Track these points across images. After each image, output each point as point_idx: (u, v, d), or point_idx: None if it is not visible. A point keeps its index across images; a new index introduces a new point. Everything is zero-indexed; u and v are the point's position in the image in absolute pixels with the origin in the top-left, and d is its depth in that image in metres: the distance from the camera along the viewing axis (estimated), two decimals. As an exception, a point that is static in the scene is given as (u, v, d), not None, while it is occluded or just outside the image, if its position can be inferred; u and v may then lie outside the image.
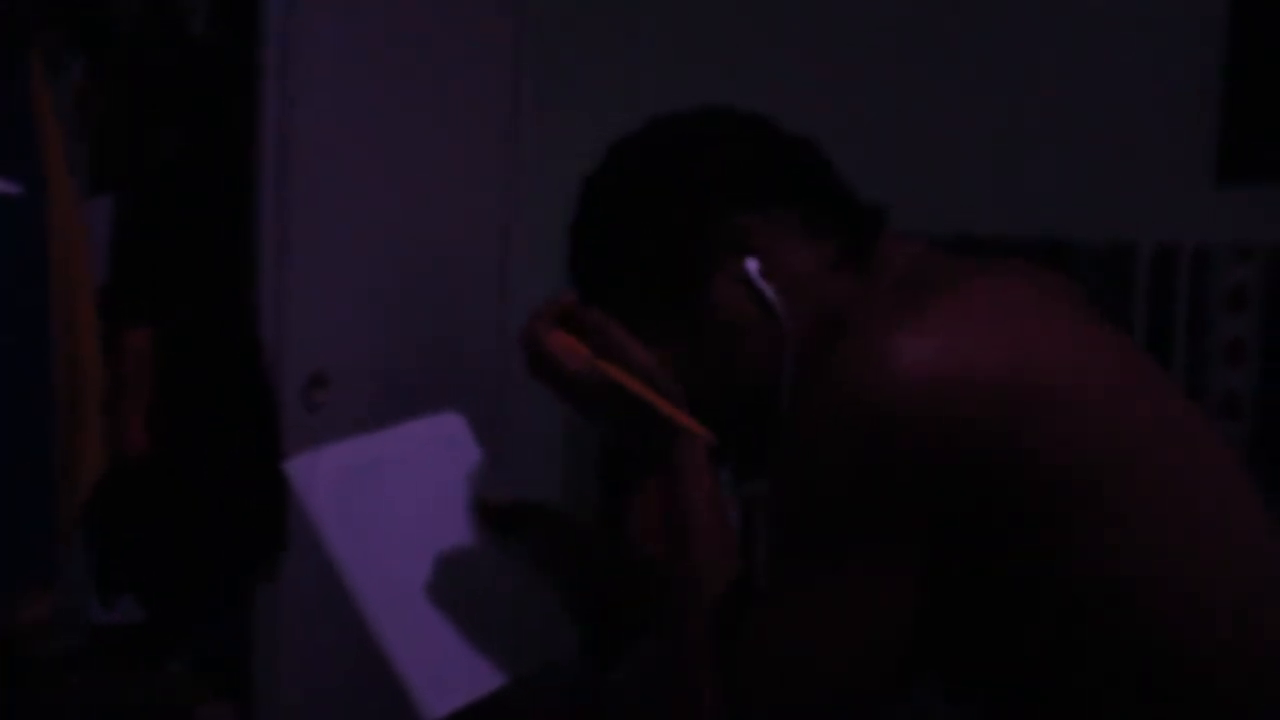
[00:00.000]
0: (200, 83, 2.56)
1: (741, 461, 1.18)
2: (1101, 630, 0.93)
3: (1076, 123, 2.67)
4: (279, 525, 2.58)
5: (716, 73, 3.10)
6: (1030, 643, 0.95)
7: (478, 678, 1.22)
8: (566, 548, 1.29)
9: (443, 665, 1.20)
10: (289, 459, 1.22)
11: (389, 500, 1.26)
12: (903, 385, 0.92)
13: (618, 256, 1.12)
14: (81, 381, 2.14)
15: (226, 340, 2.50)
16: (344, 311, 2.86)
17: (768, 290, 1.07)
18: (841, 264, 1.09)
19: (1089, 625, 0.93)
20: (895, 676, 0.98)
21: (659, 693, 1.06)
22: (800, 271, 1.08)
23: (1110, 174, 2.64)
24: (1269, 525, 1.02)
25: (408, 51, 2.95)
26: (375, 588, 1.20)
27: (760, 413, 1.11)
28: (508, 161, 3.26)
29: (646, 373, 1.08)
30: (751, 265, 1.07)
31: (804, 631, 0.96)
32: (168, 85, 2.49)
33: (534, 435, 3.26)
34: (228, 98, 2.63)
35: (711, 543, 1.06)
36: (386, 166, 2.93)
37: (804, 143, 1.14)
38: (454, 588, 1.25)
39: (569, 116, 3.27)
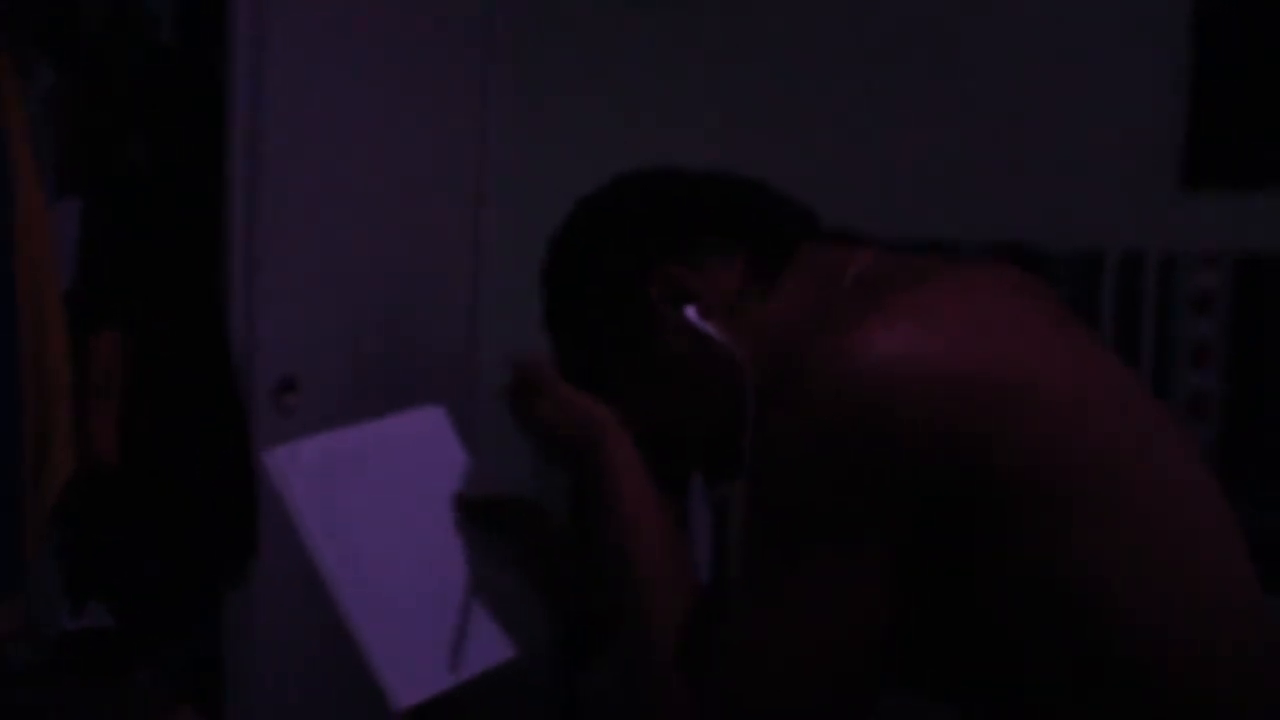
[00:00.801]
0: (168, 88, 2.54)
1: (709, 475, 1.21)
2: (1069, 630, 0.93)
3: (1043, 130, 2.69)
4: (250, 530, 2.56)
5: (689, 79, 3.11)
6: (1004, 642, 0.95)
7: (449, 669, 1.22)
8: (544, 544, 1.29)
9: (414, 656, 1.21)
10: (265, 450, 1.22)
11: (366, 493, 1.26)
12: (871, 379, 0.92)
13: (577, 335, 1.18)
14: (49, 386, 2.12)
15: (196, 344, 2.49)
16: (314, 316, 2.85)
17: (711, 330, 1.11)
18: (771, 275, 1.13)
19: (1056, 625, 0.93)
20: (875, 675, 0.97)
21: (630, 691, 1.06)
22: (736, 302, 1.12)
23: (1077, 181, 2.66)
24: (1233, 527, 1.02)
25: (377, 57, 2.95)
26: (350, 578, 1.20)
27: (733, 443, 1.14)
28: (478, 167, 3.26)
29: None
30: (690, 312, 1.12)
31: (783, 627, 0.96)
32: (135, 90, 2.48)
33: (505, 439, 3.25)
34: (196, 103, 2.62)
35: (650, 544, 1.09)
36: (356, 171, 2.92)
37: (712, 178, 1.19)
38: (429, 580, 1.25)
39: (539, 121, 3.27)
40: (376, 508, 1.25)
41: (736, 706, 0.97)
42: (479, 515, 1.30)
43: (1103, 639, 0.92)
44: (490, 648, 1.27)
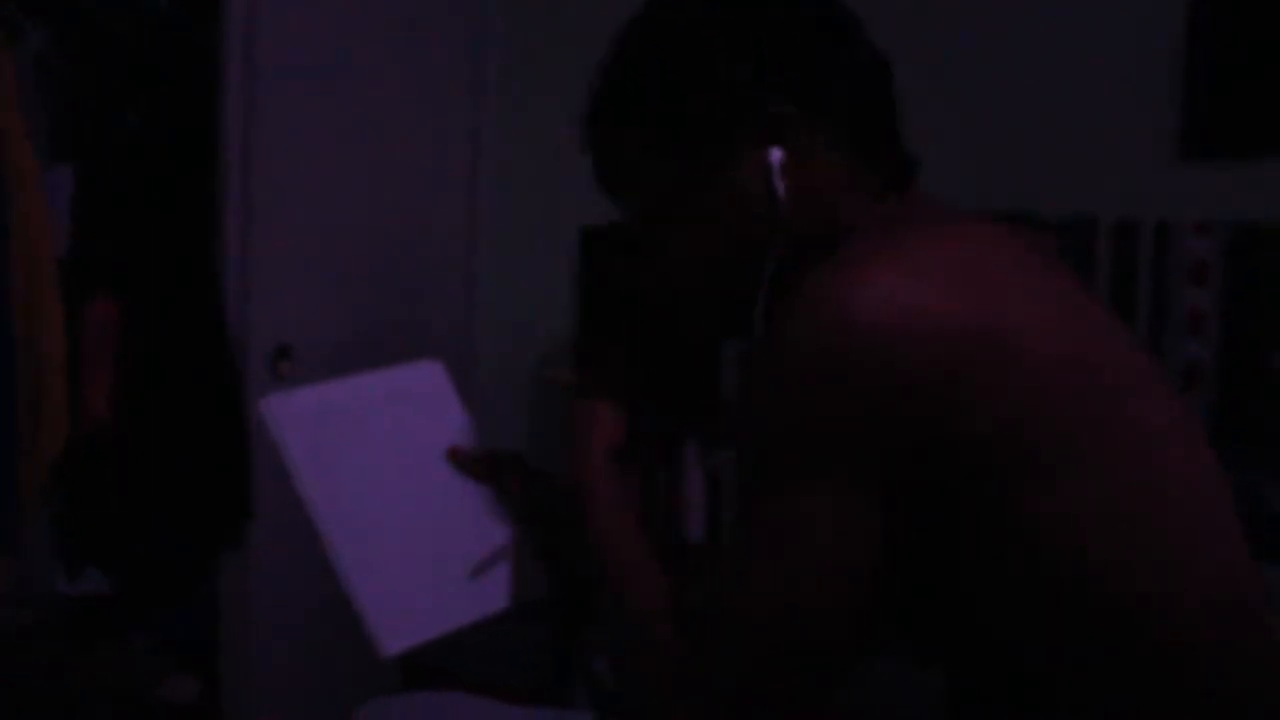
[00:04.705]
0: (163, 55, 2.54)
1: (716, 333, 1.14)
2: (1049, 585, 0.92)
3: (1039, 98, 2.69)
4: (244, 495, 2.57)
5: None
6: (986, 600, 0.95)
7: (437, 619, 1.23)
8: (538, 501, 1.29)
9: (403, 604, 1.21)
10: (261, 399, 1.22)
11: (360, 442, 1.26)
12: (849, 329, 0.90)
13: (646, 99, 1.05)
14: (43, 351, 2.13)
15: (190, 311, 2.49)
16: (310, 284, 2.85)
17: (781, 189, 1.03)
18: (861, 193, 1.05)
19: (1037, 581, 0.92)
20: (863, 627, 0.96)
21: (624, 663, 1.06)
22: (821, 186, 1.04)
23: (1073, 149, 2.65)
24: (1224, 488, 1.02)
25: (372, 25, 2.94)
26: (341, 525, 1.20)
27: (733, 310, 1.09)
28: (474, 134, 3.25)
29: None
30: (775, 157, 1.02)
31: (767, 573, 0.95)
32: (130, 55, 2.47)
33: (498, 410, 3.26)
34: (191, 70, 2.62)
35: (625, 570, 1.09)
36: (351, 140, 2.92)
37: (876, 61, 1.07)
38: (420, 530, 1.25)
39: (535, 87, 3.26)
40: (370, 457, 1.26)
41: (720, 656, 0.96)
42: (473, 468, 1.30)
43: (1084, 595, 0.92)
44: (480, 599, 1.27)
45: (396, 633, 1.19)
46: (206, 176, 2.64)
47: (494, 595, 1.29)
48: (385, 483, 1.25)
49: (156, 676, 2.52)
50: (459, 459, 1.30)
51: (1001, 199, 2.69)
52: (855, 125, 1.05)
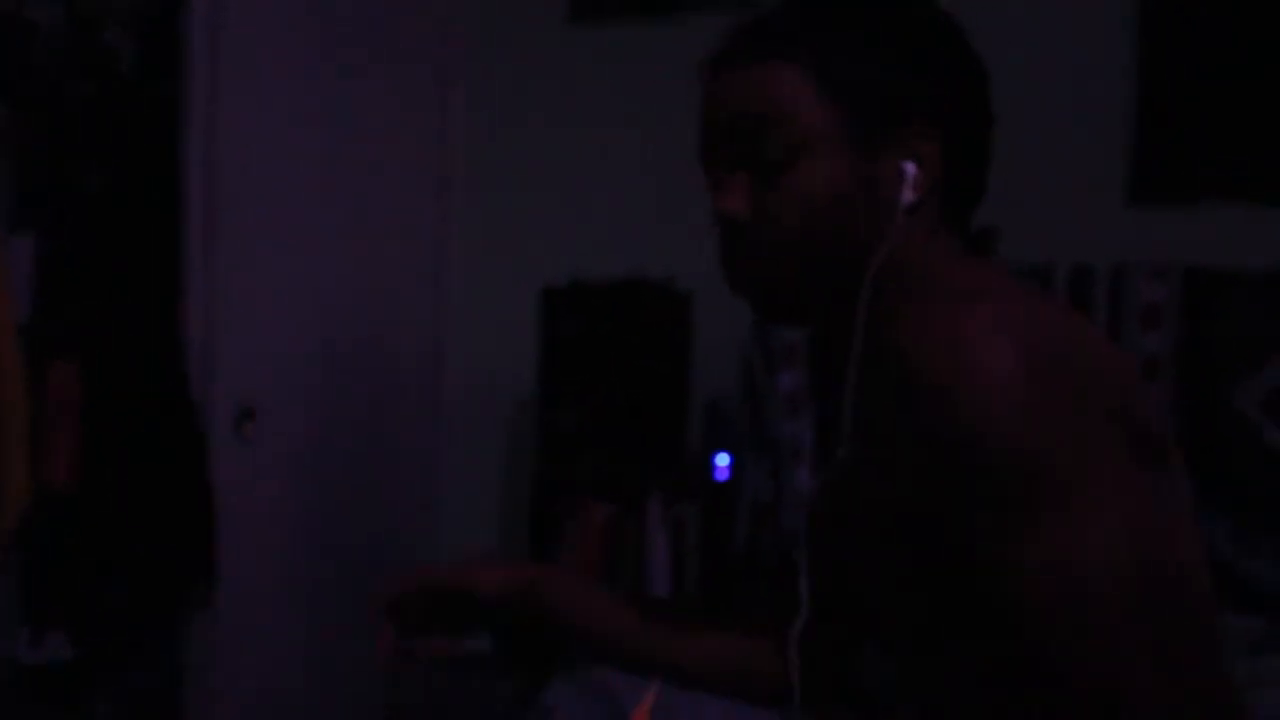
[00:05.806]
0: (126, 120, 2.55)
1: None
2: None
3: (992, 146, 2.73)
4: (208, 559, 2.56)
5: (653, 86, 3.13)
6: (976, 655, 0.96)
7: None
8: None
9: None
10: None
11: None
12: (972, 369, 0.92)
13: (845, 55, 1.07)
14: (5, 415, 2.12)
15: (154, 373, 2.49)
16: (273, 345, 2.85)
17: (906, 199, 1.06)
18: (941, 230, 1.10)
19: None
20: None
21: None
22: (924, 215, 1.08)
23: (1026, 195, 2.69)
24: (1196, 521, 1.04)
25: (336, 87, 2.95)
26: None
27: (820, 301, 1.08)
28: (438, 193, 3.27)
29: None
30: (910, 170, 1.07)
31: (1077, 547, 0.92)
32: (92, 122, 2.48)
33: (468, 469, 3.25)
34: (153, 134, 2.63)
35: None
36: (313, 201, 2.93)
37: (991, 119, 1.19)
38: None
39: (500, 145, 3.28)
40: None
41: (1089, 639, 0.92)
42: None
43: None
44: None
45: None
46: (169, 239, 2.65)
47: None
48: None
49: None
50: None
51: (958, 247, 2.72)
52: (968, 172, 1.13)
